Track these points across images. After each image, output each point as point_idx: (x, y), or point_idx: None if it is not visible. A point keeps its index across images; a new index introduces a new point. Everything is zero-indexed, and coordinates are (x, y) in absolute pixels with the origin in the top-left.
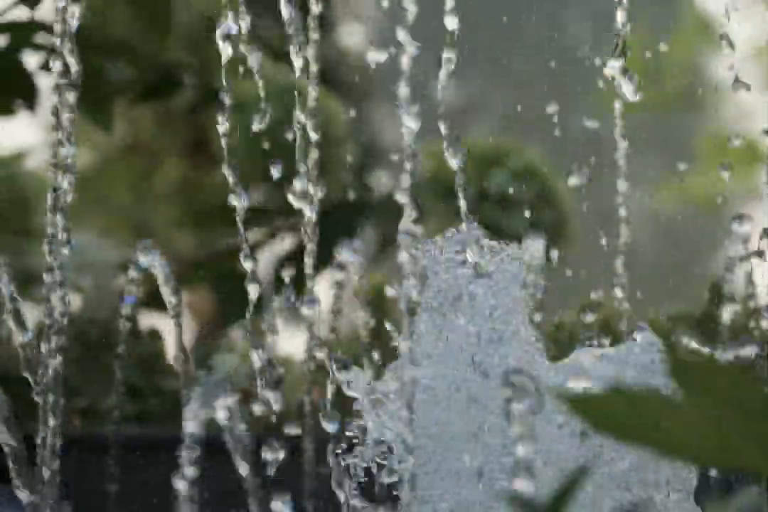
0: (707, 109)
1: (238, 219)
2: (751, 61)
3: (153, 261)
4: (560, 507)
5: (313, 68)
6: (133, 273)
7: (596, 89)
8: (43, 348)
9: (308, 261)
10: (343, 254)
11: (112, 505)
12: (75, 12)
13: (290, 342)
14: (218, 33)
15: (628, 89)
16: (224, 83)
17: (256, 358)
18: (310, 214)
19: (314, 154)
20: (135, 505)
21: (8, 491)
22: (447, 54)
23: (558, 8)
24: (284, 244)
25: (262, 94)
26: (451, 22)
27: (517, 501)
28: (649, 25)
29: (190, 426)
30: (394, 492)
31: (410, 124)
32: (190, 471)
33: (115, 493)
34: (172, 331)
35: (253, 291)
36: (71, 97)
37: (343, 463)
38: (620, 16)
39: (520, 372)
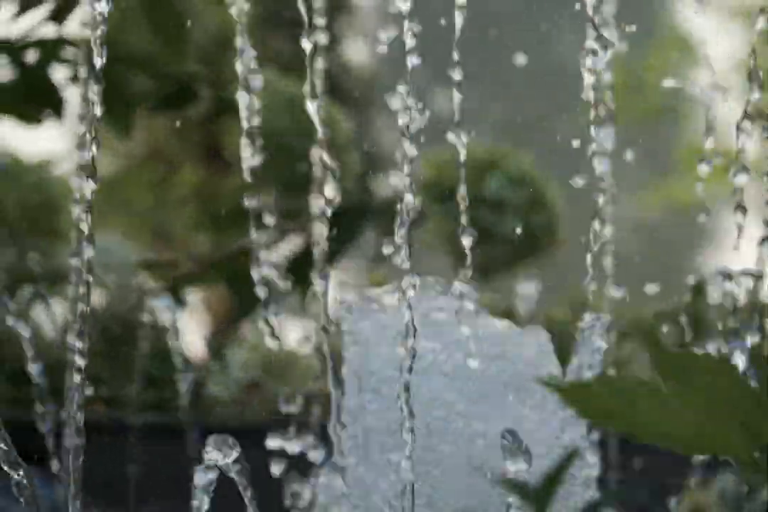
0: (686, 121)
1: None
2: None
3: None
4: (551, 488)
5: (319, 80)
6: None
7: (584, 102)
8: (69, 341)
9: (317, 259)
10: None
11: (131, 483)
12: (98, 29)
13: (295, 337)
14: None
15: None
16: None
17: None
18: (323, 216)
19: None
20: (153, 484)
21: (38, 471)
22: (455, 75)
23: (550, 26)
24: (292, 244)
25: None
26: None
27: (510, 483)
28: (631, 41)
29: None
30: None
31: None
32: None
33: (135, 473)
34: (189, 325)
35: (263, 289)
36: (94, 107)
37: None
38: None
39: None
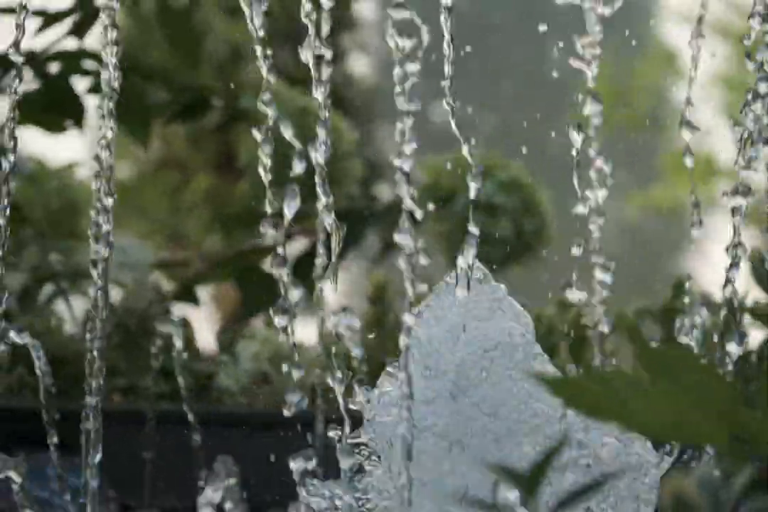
0: (670, 129)
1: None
2: (709, 87)
3: None
4: (540, 474)
5: (325, 92)
6: None
7: (573, 112)
8: (89, 335)
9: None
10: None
11: (146, 468)
12: (118, 43)
13: (304, 331)
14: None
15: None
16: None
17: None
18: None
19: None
20: (166, 468)
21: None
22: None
23: (541, 39)
24: (298, 245)
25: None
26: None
27: (501, 470)
28: (618, 54)
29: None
30: None
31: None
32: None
33: (149, 458)
34: (200, 320)
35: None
36: (114, 116)
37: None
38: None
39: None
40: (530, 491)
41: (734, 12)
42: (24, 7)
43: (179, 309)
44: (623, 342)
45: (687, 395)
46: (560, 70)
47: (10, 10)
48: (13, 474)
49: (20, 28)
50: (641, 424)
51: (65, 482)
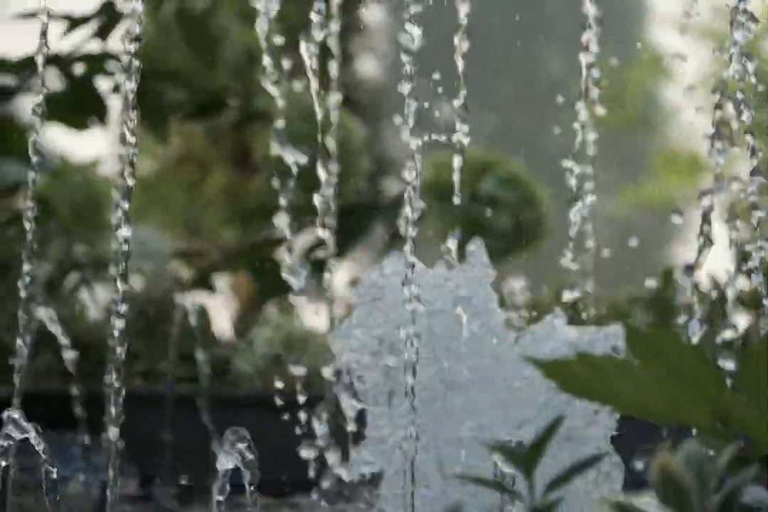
0: (658, 129)
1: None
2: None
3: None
4: (538, 452)
5: (336, 93)
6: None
7: (569, 112)
8: (111, 321)
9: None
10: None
11: (165, 446)
12: (139, 45)
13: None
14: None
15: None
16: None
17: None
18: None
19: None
20: (183, 446)
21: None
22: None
23: (538, 44)
24: (309, 237)
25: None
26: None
27: (502, 447)
28: (612, 60)
29: None
30: None
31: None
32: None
33: (168, 438)
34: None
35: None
36: (135, 115)
37: None
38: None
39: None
40: (528, 470)
41: (720, 17)
42: (48, 13)
43: (197, 297)
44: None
45: (674, 377)
46: (556, 73)
47: (35, 15)
48: (32, 438)
49: (45, 32)
50: (630, 405)
51: (89, 460)
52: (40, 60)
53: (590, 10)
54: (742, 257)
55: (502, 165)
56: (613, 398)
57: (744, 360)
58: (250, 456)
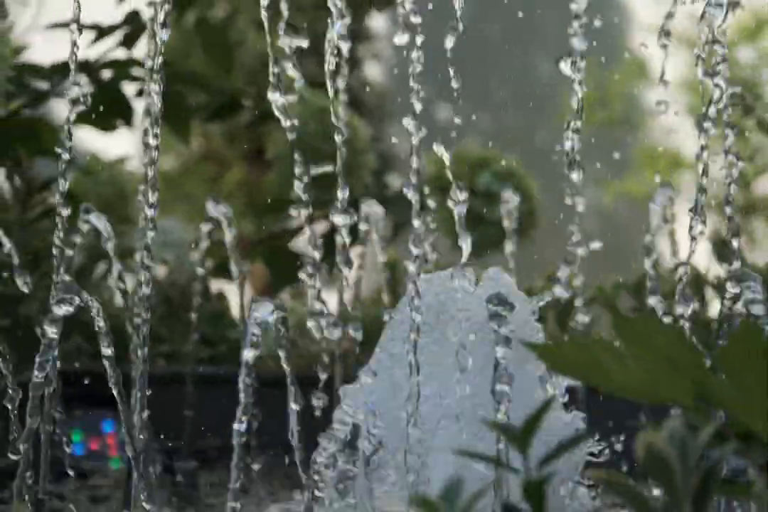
0: (640, 128)
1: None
2: (676, 92)
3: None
4: (531, 429)
5: (343, 95)
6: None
7: (559, 112)
8: (137, 306)
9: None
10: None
11: (188, 423)
12: (162, 52)
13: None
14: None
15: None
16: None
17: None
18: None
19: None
20: (205, 424)
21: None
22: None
23: (530, 49)
24: (320, 227)
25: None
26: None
27: (499, 425)
28: (598, 64)
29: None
30: None
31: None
32: (246, 399)
33: (191, 416)
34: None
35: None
36: (158, 116)
37: None
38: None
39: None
40: (523, 446)
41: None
42: (78, 23)
43: (216, 284)
44: (602, 312)
45: (657, 359)
46: (545, 77)
47: (66, 25)
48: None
49: (75, 41)
50: (617, 385)
51: (118, 435)
52: (71, 66)
53: (578, 20)
54: (717, 247)
55: (497, 160)
56: (601, 378)
57: (724, 344)
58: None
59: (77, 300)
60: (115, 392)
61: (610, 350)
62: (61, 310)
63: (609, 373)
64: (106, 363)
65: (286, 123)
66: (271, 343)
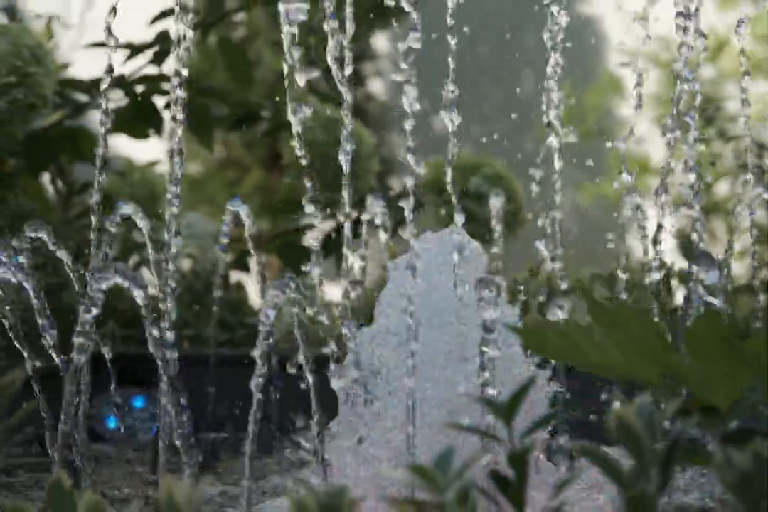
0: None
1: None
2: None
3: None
4: (515, 404)
5: (350, 107)
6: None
7: (540, 124)
8: (163, 295)
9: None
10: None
11: (210, 401)
12: (188, 69)
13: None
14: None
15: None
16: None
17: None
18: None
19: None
20: (226, 402)
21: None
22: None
23: (516, 67)
24: (327, 225)
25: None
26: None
27: (485, 400)
28: (576, 80)
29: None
30: None
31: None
32: (262, 378)
33: (212, 393)
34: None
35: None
36: (184, 126)
37: None
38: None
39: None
40: (508, 419)
41: (664, 46)
42: (114, 42)
43: (235, 275)
44: (579, 301)
45: (628, 342)
46: (530, 92)
47: (104, 45)
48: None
49: (110, 58)
50: (594, 365)
51: (148, 411)
52: (107, 81)
53: (559, 41)
54: (683, 241)
55: (487, 165)
56: (580, 359)
57: (688, 328)
58: None
59: (116, 278)
60: (162, 371)
61: (588, 334)
62: (101, 286)
63: (586, 355)
64: (151, 344)
65: (298, 132)
66: (282, 327)
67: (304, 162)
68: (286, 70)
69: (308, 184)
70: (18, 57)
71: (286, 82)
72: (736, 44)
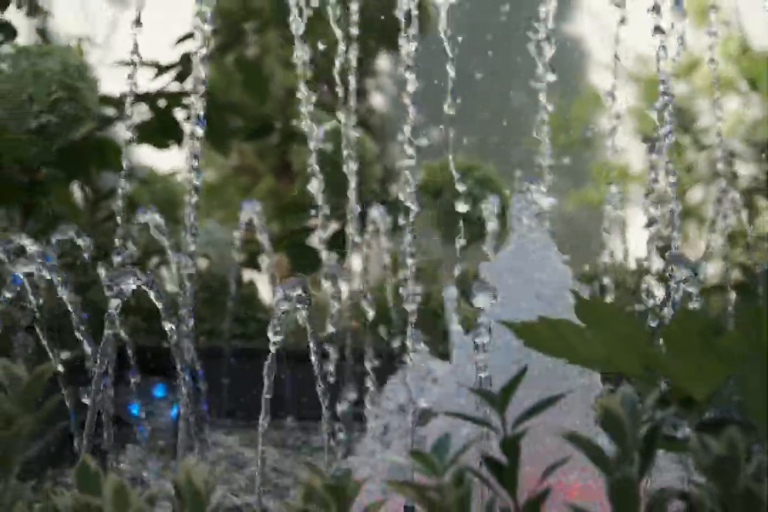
0: (596, 147)
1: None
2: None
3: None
4: (508, 395)
5: (354, 119)
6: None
7: (527, 133)
8: (183, 293)
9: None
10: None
11: (226, 390)
12: (206, 86)
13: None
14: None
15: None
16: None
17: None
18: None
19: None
20: (240, 390)
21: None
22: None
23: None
24: (332, 226)
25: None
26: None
27: (479, 391)
28: (562, 95)
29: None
30: None
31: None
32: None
33: (228, 383)
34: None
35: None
36: (202, 137)
37: None
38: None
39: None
40: (501, 408)
41: (642, 64)
42: (141, 62)
43: (248, 274)
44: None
45: (612, 336)
46: (518, 104)
47: (132, 63)
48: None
49: (135, 76)
50: (580, 358)
51: (168, 398)
52: (132, 97)
53: (548, 59)
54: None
55: (479, 169)
56: (567, 352)
57: (666, 325)
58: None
59: (137, 280)
60: (181, 361)
61: (575, 329)
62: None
63: (574, 348)
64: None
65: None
66: (291, 323)
67: (317, 173)
68: (304, 94)
69: (315, 189)
70: (66, 74)
71: (303, 107)
72: (708, 62)
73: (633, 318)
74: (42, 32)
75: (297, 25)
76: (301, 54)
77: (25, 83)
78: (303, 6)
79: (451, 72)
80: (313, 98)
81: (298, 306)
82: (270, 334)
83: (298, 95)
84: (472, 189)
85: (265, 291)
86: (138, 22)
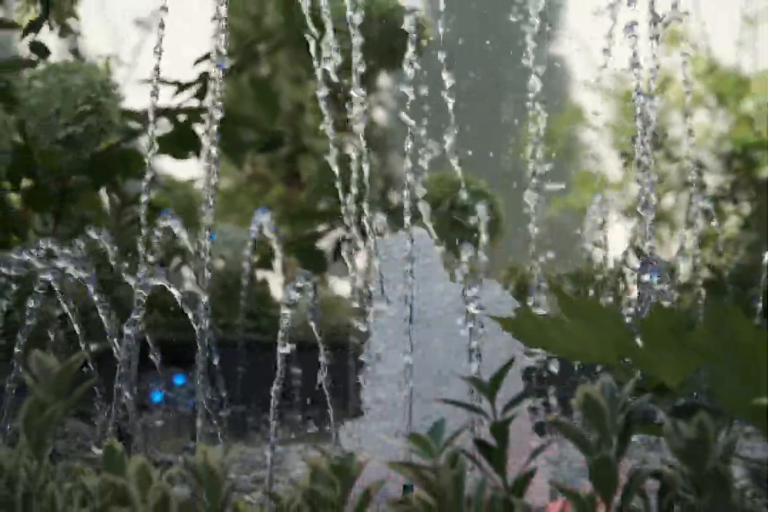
0: (579, 156)
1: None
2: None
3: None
4: (497, 383)
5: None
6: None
7: (518, 147)
8: (199, 290)
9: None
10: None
11: (239, 380)
12: (222, 102)
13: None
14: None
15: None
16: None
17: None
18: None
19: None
20: (253, 380)
21: (178, 370)
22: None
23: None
24: (337, 232)
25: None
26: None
27: (471, 379)
28: (548, 109)
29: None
30: None
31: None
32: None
33: (242, 374)
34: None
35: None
36: (218, 149)
37: None
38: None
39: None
40: (491, 396)
41: (619, 80)
42: (163, 80)
43: (261, 273)
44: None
45: (592, 330)
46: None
47: (154, 81)
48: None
49: (157, 93)
50: (562, 350)
51: (187, 387)
52: (155, 112)
53: (534, 77)
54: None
55: (472, 182)
56: (550, 344)
57: (642, 320)
58: None
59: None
60: (199, 353)
61: (557, 322)
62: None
63: (556, 340)
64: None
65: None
66: (298, 318)
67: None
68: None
69: (323, 198)
70: (91, 89)
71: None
72: (679, 80)
73: (612, 312)
74: (74, 52)
75: (314, 47)
76: (319, 73)
77: (53, 98)
78: (315, 32)
79: (451, 96)
80: (328, 118)
81: (309, 294)
82: (279, 346)
83: (318, 116)
84: (467, 201)
85: (276, 289)
86: (159, 46)
